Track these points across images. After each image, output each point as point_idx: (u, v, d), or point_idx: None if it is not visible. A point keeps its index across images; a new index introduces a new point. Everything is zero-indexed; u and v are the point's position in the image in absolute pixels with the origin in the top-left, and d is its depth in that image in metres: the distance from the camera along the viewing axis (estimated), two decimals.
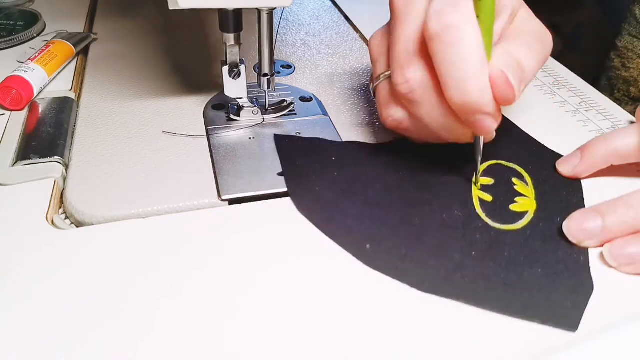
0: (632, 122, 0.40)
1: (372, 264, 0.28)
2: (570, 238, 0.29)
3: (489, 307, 0.26)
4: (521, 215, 0.31)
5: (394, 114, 0.32)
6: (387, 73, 0.32)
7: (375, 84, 0.33)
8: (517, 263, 0.28)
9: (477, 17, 0.27)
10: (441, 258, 0.28)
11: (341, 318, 0.25)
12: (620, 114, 0.41)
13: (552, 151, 0.36)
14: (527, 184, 0.33)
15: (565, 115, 0.41)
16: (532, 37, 0.30)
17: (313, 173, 0.33)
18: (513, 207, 0.32)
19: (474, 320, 0.26)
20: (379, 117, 0.34)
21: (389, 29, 0.32)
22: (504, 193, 0.33)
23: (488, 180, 0.33)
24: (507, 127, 0.38)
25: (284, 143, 0.35)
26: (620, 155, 0.33)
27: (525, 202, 0.32)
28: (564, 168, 0.34)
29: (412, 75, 0.29)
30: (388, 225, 0.30)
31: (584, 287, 0.27)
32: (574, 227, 0.29)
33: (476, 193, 0.32)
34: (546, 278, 0.27)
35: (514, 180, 0.34)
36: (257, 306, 0.26)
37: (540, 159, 0.36)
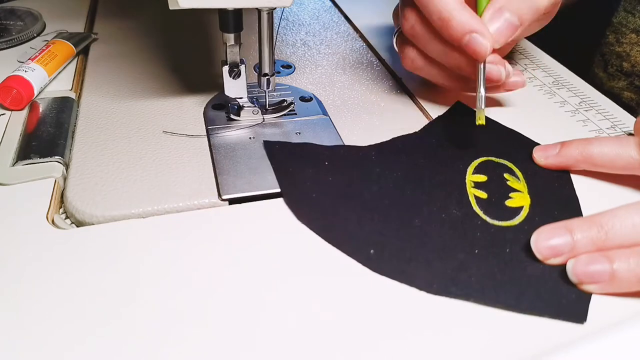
0: (632, 123, 0.40)
1: (379, 269, 0.28)
2: (536, 254, 0.28)
3: (499, 305, 0.26)
4: (517, 210, 0.31)
5: (408, 53, 0.40)
6: (398, 28, 0.41)
7: (394, 37, 0.42)
8: (519, 259, 0.28)
9: None
10: (445, 259, 0.28)
11: (346, 320, 0.25)
12: (620, 114, 0.41)
13: (537, 143, 0.37)
14: (518, 179, 0.34)
15: (564, 115, 0.41)
16: None
17: (307, 179, 0.33)
18: (508, 202, 0.32)
19: (480, 319, 0.26)
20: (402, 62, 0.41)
21: None
22: (497, 189, 0.33)
23: (481, 178, 0.34)
24: (490, 125, 0.38)
25: (274, 149, 0.35)
26: (592, 163, 0.33)
27: (519, 197, 0.32)
28: (538, 155, 0.35)
29: (409, 19, 0.37)
30: (389, 229, 0.30)
31: None
32: (542, 244, 0.28)
33: (471, 191, 0.33)
34: (549, 272, 0.28)
35: (506, 175, 0.34)
36: (257, 306, 0.26)
37: (526, 152, 0.36)
